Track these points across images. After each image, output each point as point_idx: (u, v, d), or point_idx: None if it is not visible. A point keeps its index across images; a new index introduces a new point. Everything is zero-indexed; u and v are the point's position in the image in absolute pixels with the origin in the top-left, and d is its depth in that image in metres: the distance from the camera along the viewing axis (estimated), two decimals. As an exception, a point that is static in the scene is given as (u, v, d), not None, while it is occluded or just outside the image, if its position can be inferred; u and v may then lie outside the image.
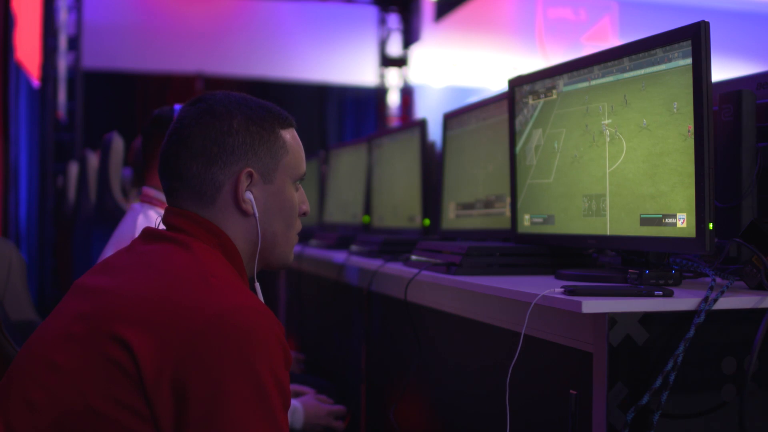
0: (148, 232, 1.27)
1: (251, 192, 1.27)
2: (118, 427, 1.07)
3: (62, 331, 1.15)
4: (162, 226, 1.29)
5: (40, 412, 1.09)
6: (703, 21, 1.38)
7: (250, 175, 1.26)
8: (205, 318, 1.08)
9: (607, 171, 1.56)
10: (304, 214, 1.37)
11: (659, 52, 1.45)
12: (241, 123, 1.27)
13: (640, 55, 1.50)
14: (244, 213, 1.27)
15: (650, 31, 1.51)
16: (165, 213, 1.29)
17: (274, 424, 1.09)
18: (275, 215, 1.30)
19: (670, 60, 1.43)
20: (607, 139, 1.57)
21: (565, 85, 1.71)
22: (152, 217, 2.14)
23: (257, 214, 1.28)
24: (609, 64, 1.57)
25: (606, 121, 1.57)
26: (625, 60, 1.53)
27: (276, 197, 1.30)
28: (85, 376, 1.08)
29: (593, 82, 1.62)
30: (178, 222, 1.26)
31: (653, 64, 1.47)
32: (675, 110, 1.41)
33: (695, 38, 1.38)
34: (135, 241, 1.28)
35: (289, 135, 1.33)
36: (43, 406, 1.09)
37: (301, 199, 1.36)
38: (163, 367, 1.06)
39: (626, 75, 1.53)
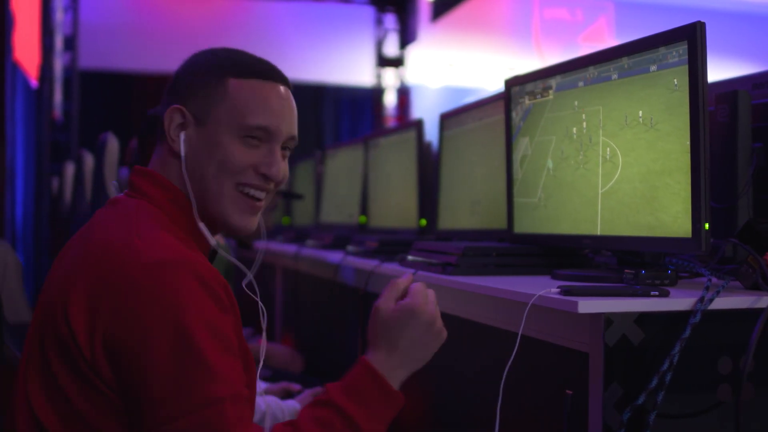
0: (109, 201, 1.31)
1: (185, 133, 1.27)
2: (88, 395, 1.13)
3: (31, 330, 1.23)
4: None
5: (37, 407, 1.16)
6: (699, 21, 1.38)
7: (182, 114, 1.27)
8: (127, 280, 1.11)
9: (600, 185, 1.57)
10: (266, 176, 1.27)
11: (655, 53, 1.45)
12: (192, 67, 1.30)
13: (636, 55, 1.50)
14: (176, 153, 1.27)
15: (646, 31, 1.51)
16: (130, 172, 1.32)
17: (207, 372, 1.09)
18: (204, 159, 1.25)
19: (665, 60, 1.43)
20: (601, 149, 1.57)
21: (557, 88, 1.71)
22: None
23: (182, 153, 1.26)
24: (603, 65, 1.57)
25: (599, 124, 1.57)
26: (623, 59, 1.53)
27: (206, 142, 1.25)
28: (50, 357, 1.15)
29: (582, 84, 1.62)
30: (134, 179, 1.29)
31: (649, 64, 1.47)
32: (670, 111, 1.41)
33: (691, 39, 1.38)
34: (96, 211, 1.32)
35: (244, 85, 1.27)
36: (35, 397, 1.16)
37: (266, 160, 1.27)
38: (95, 334, 1.11)
39: (621, 76, 1.53)
